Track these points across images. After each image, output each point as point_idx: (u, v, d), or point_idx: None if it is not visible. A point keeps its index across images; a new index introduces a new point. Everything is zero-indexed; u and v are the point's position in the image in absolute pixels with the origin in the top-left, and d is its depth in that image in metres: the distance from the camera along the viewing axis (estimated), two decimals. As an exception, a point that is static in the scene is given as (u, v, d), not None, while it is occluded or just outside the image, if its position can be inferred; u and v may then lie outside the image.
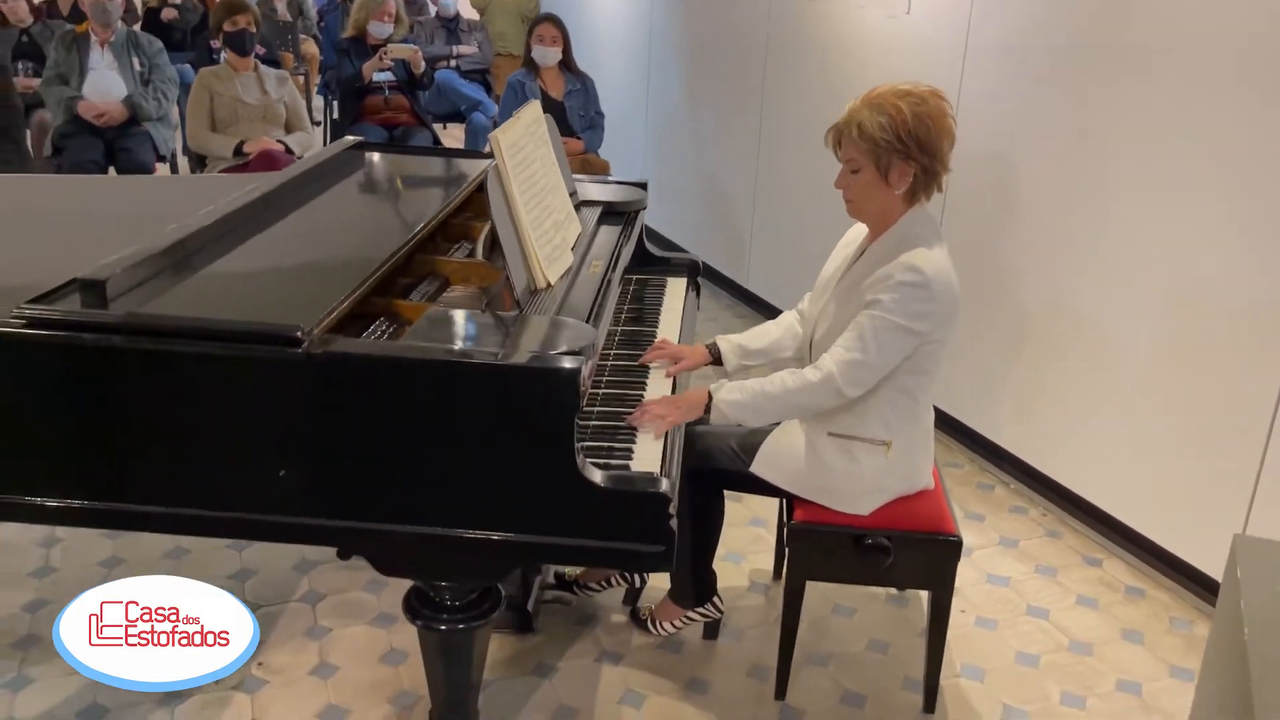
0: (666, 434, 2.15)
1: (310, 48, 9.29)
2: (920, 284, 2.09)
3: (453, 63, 7.10)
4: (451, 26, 7.25)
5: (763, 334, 2.54)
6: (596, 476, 1.80)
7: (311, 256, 2.24)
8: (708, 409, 2.23)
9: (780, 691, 2.48)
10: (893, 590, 2.89)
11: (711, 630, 2.69)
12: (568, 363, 1.75)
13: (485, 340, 1.86)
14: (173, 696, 2.41)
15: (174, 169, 5.95)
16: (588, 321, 2.10)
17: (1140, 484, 3.03)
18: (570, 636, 2.66)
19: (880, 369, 2.15)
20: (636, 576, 2.75)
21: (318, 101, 8.10)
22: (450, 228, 2.70)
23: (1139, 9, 2.90)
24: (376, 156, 3.16)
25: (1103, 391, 3.12)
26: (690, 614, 2.61)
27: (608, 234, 2.70)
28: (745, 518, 3.18)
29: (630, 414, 2.18)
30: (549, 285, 2.20)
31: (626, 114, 6.25)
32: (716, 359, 2.50)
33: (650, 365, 2.44)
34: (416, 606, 1.99)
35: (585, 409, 2.20)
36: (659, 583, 2.67)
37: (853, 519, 2.30)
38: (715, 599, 2.61)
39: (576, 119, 5.06)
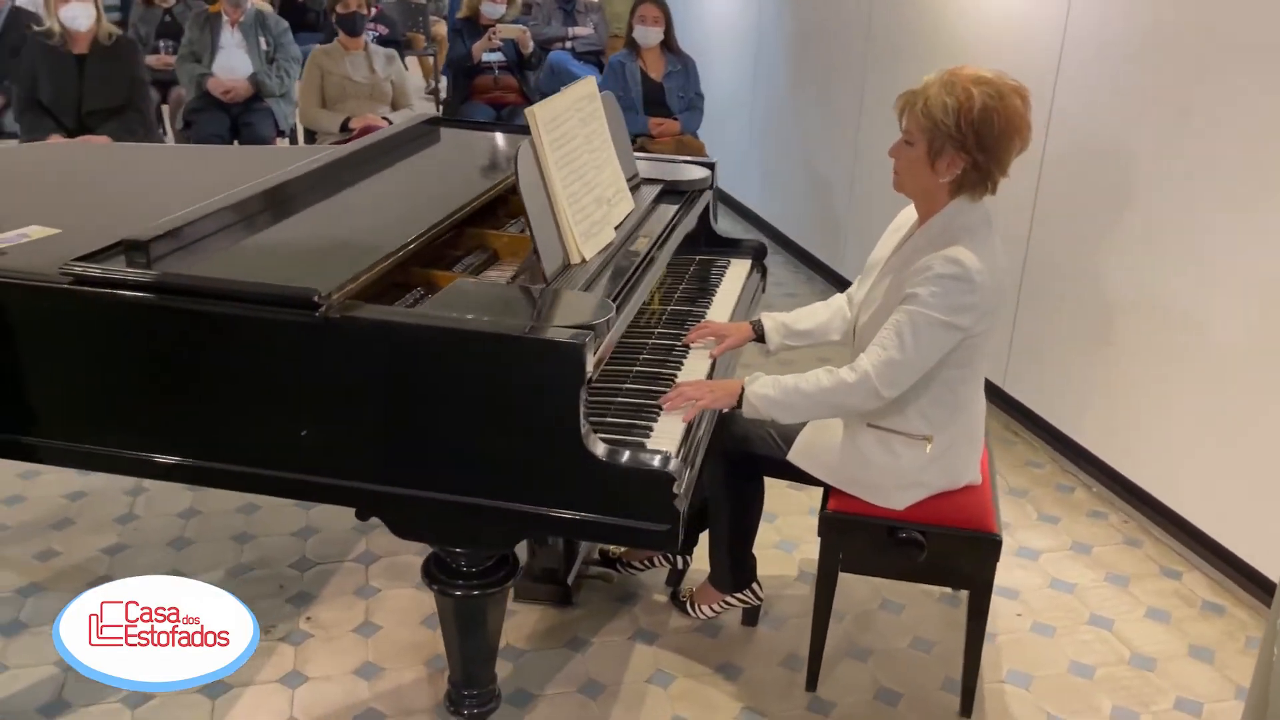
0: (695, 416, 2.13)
1: (441, 29, 9.51)
2: (961, 276, 1.99)
3: (568, 44, 7.14)
4: (568, 9, 7.29)
5: (811, 314, 2.47)
6: (600, 451, 1.80)
7: (357, 226, 2.30)
8: (741, 401, 2.15)
9: (811, 683, 2.43)
10: (947, 589, 2.79)
11: (751, 617, 2.66)
12: (572, 336, 1.76)
13: (498, 311, 1.87)
14: (223, 643, 2.53)
15: (293, 142, 6.20)
16: (617, 298, 2.09)
17: (1229, 493, 2.84)
18: (609, 613, 2.67)
19: (919, 367, 2.05)
20: (679, 558, 2.74)
21: (443, 80, 8.30)
22: (512, 203, 2.73)
23: (1242, 4, 2.70)
24: (451, 132, 3.22)
25: (1193, 393, 2.93)
26: (729, 599, 2.59)
27: (663, 213, 2.68)
28: (805, 506, 3.11)
29: (662, 393, 2.17)
30: (583, 260, 2.20)
31: (733, 99, 6.20)
32: (760, 336, 2.45)
33: (692, 346, 2.42)
34: (434, 572, 2.04)
35: (615, 385, 2.20)
36: (702, 565, 2.66)
37: (888, 511, 2.23)
38: (755, 585, 2.58)
39: (675, 99, 5.04)
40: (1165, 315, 3.01)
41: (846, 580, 2.78)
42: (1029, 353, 3.63)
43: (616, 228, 2.40)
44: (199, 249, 2.06)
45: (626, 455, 1.82)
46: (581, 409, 1.79)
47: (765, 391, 2.11)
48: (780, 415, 2.15)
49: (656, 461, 1.82)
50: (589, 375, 1.78)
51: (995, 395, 3.82)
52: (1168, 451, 3.04)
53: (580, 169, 2.29)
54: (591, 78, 2.62)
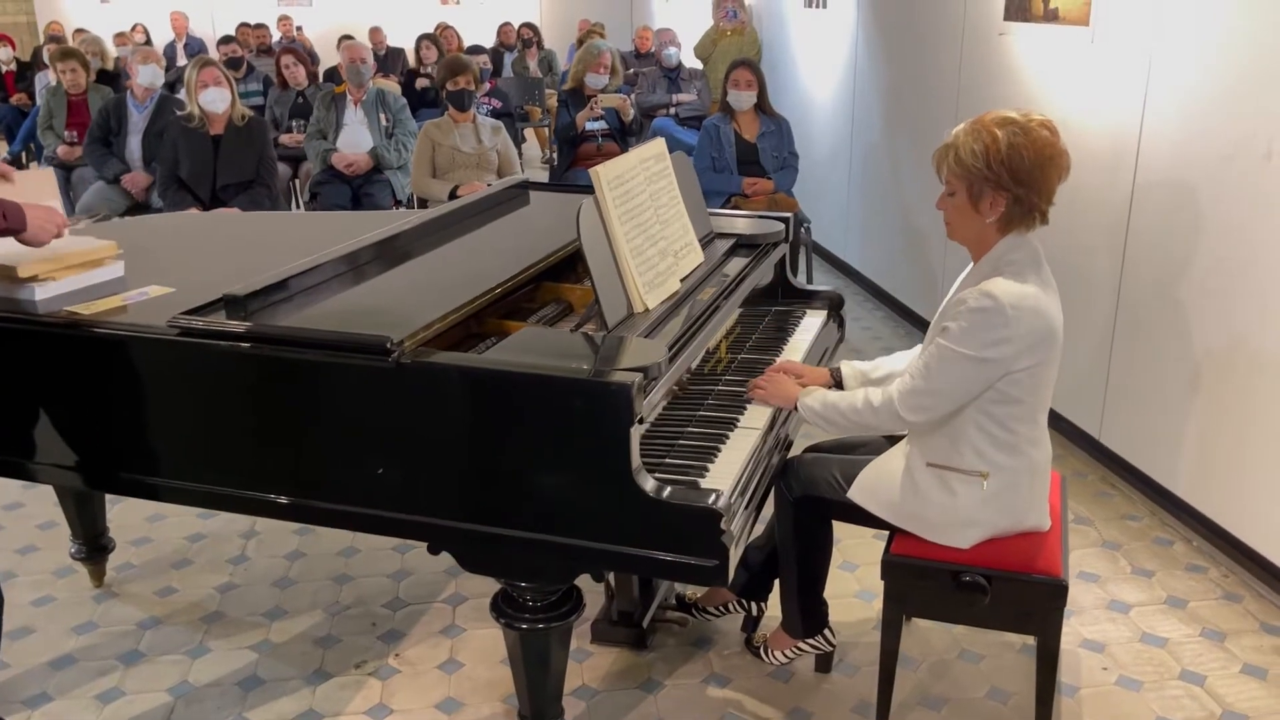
0: (751, 458, 2.20)
1: (554, 102, 9.93)
2: (993, 310, 2.03)
3: (672, 110, 7.38)
4: (673, 76, 7.54)
5: (890, 363, 2.55)
6: (649, 487, 1.88)
7: (438, 280, 2.46)
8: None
9: (879, 729, 2.42)
10: (1030, 640, 2.74)
11: (824, 663, 2.67)
12: (622, 378, 1.85)
13: (559, 355, 1.98)
14: (316, 674, 2.69)
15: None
16: (675, 344, 2.19)
17: (1334, 547, 2.72)
18: (682, 657, 2.72)
19: (944, 396, 2.10)
20: (753, 604, 2.77)
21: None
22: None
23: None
24: (540, 194, 3.39)
25: (1289, 442, 2.83)
26: (801, 644, 2.61)
27: (735, 265, 2.77)
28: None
29: (724, 437, 2.26)
30: (646, 309, 2.31)
31: (831, 156, 6.29)
32: (839, 382, 2.52)
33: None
34: (501, 606, 2.14)
35: (679, 428, 2.29)
36: (777, 612, 2.68)
37: (951, 554, 2.24)
38: (827, 631, 2.60)
39: (769, 160, 5.15)
40: (1262, 363, 2.92)
41: (924, 629, 2.79)
42: (1124, 402, 3.55)
43: (683, 280, 2.50)
44: (294, 303, 2.25)
45: (676, 493, 1.90)
46: (633, 447, 1.88)
47: (810, 402, 2.30)
48: (820, 425, 2.32)
49: (706, 499, 1.89)
50: (638, 415, 1.87)
51: (1091, 446, 3.74)
52: (1271, 504, 2.93)
53: (645, 223, 2.41)
54: (661, 139, 2.75)
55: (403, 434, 2.01)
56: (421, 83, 8.36)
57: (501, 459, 1.95)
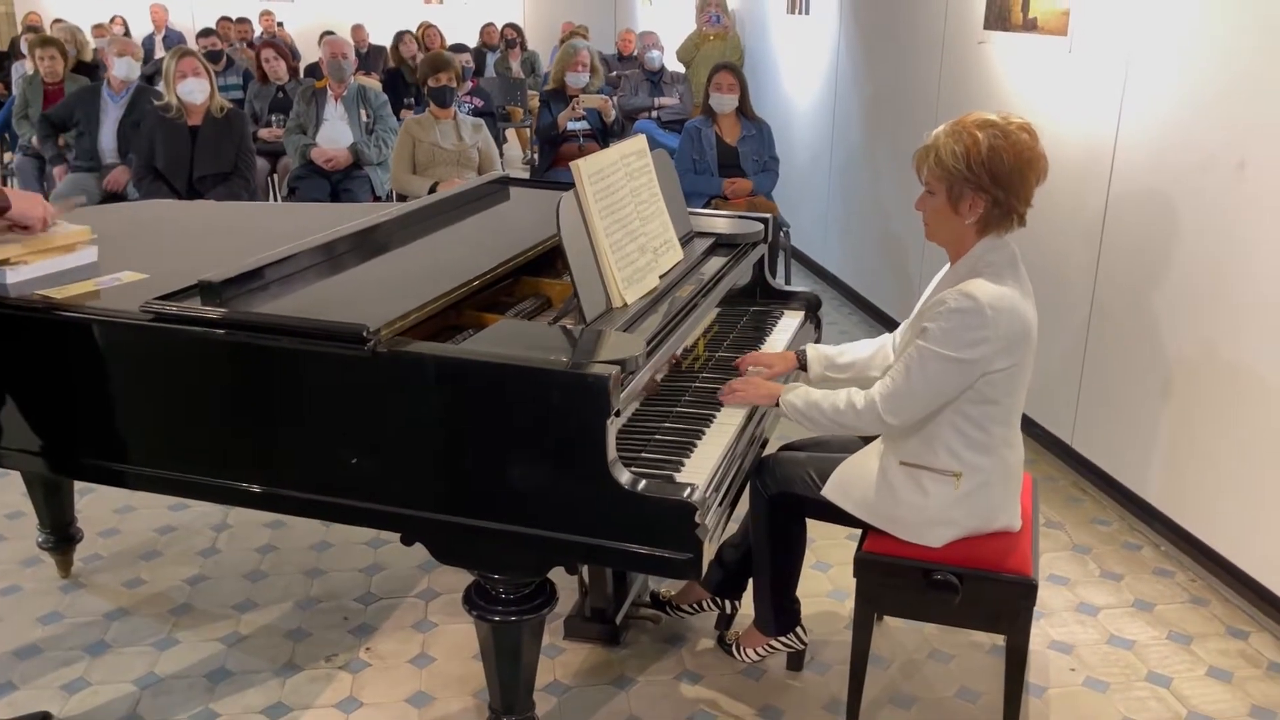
0: (726, 454, 2.20)
1: (536, 102, 9.93)
2: (972, 310, 2.05)
3: (654, 113, 7.40)
4: (655, 79, 7.56)
5: (854, 350, 2.58)
6: (625, 480, 1.88)
7: (416, 271, 2.45)
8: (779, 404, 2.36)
9: (850, 727, 2.43)
10: (999, 640, 2.76)
11: (796, 661, 2.68)
12: (598, 370, 1.85)
13: (536, 347, 1.98)
14: (286, 667, 2.67)
15: (388, 208, 6.53)
16: (653, 339, 2.19)
17: (1299, 552, 2.75)
18: (655, 654, 2.72)
19: (923, 398, 2.12)
20: (727, 602, 2.77)
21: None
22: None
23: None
24: (520, 190, 3.39)
25: (1258, 448, 2.86)
26: (773, 642, 2.61)
27: (714, 264, 2.78)
28: (858, 556, 3.12)
29: (699, 433, 2.26)
30: (625, 304, 2.31)
31: (811, 161, 6.32)
32: (804, 365, 2.55)
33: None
34: (474, 598, 2.13)
35: (656, 424, 2.29)
36: (750, 609, 2.69)
37: (923, 553, 2.25)
38: (799, 629, 2.60)
39: (749, 162, 5.17)
40: (1232, 371, 2.96)
41: (895, 629, 2.80)
42: (1097, 409, 3.58)
43: (662, 276, 2.51)
44: (271, 290, 2.23)
45: (650, 485, 1.90)
46: (609, 439, 1.88)
47: (792, 399, 2.31)
48: (802, 423, 2.31)
49: (680, 493, 1.89)
50: (614, 408, 1.87)
51: (1063, 452, 3.78)
52: (1239, 510, 2.96)
53: (624, 219, 2.41)
54: (642, 136, 2.75)
55: (377, 424, 2.01)
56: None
57: (476, 450, 1.94)
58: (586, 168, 2.31)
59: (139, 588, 3.03)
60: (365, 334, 1.93)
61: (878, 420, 2.17)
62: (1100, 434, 3.59)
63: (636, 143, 2.63)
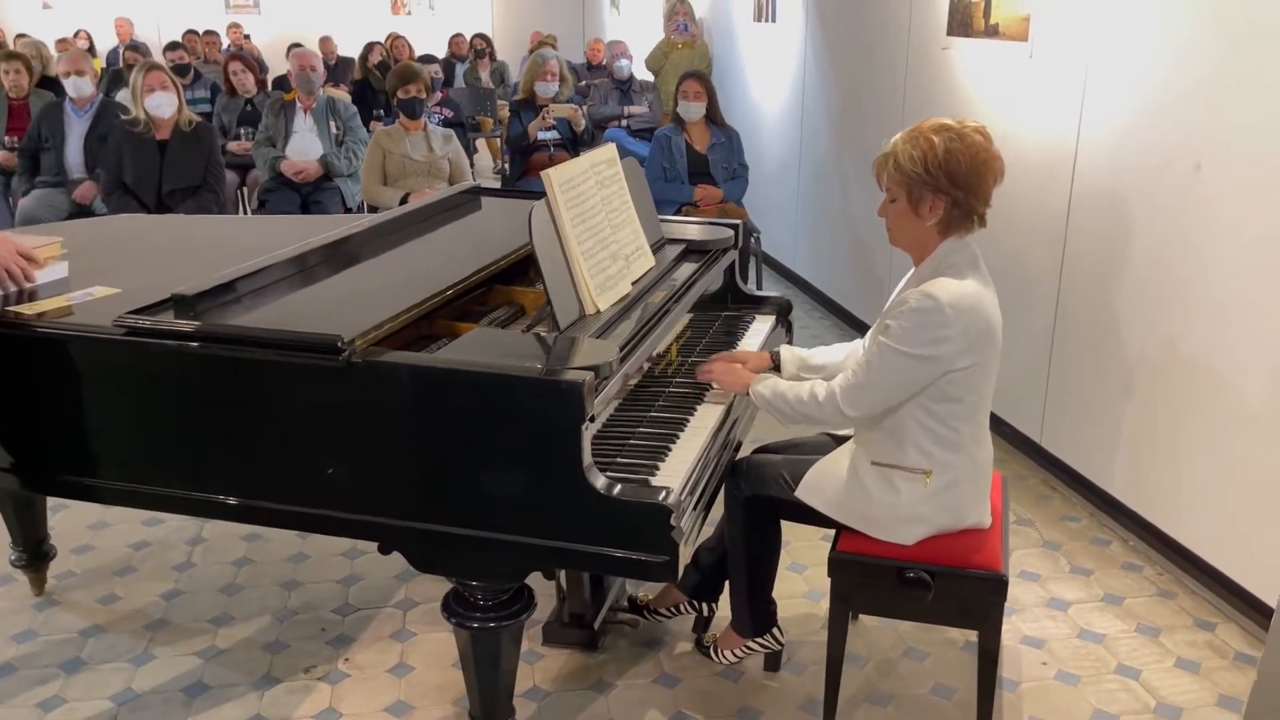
0: (701, 457, 2.23)
1: (508, 113, 9.94)
2: (932, 310, 2.09)
3: (624, 122, 7.43)
4: (625, 88, 7.60)
5: (827, 352, 2.62)
6: (600, 484, 1.90)
7: (389, 282, 2.46)
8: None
9: (827, 726, 2.46)
10: (973, 637, 2.80)
11: (773, 662, 2.70)
12: (573, 376, 1.88)
13: (510, 355, 2.00)
14: (264, 679, 2.66)
15: (360, 221, 6.51)
16: (627, 345, 2.22)
17: (1265, 545, 2.80)
18: (633, 658, 2.74)
19: (882, 392, 2.17)
20: (704, 605, 2.80)
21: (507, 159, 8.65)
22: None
23: (1254, 46, 2.76)
24: (492, 200, 3.41)
25: (1219, 442, 2.93)
26: (750, 644, 2.64)
27: (685, 270, 2.81)
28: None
29: (674, 437, 2.29)
30: (598, 311, 2.33)
31: (780, 168, 6.37)
32: (778, 365, 2.59)
33: (706, 393, 2.53)
34: (452, 605, 2.14)
35: (630, 429, 2.31)
36: (727, 612, 2.71)
37: (895, 551, 2.29)
38: (776, 630, 2.63)
39: (720, 170, 5.20)
40: (1192, 367, 3.02)
41: (870, 628, 2.83)
42: (1064, 407, 3.64)
43: (635, 283, 2.53)
44: (245, 303, 2.24)
45: (626, 489, 1.93)
46: (584, 445, 1.90)
47: (761, 389, 2.37)
48: (769, 412, 2.37)
49: (656, 496, 1.92)
50: (590, 413, 1.89)
51: (1032, 450, 3.83)
52: (1203, 504, 3.02)
53: (596, 227, 2.44)
54: (612, 144, 2.78)
55: (353, 433, 2.02)
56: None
57: (453, 458, 1.96)
58: (557, 177, 2.34)
59: (114, 604, 3.02)
60: (340, 344, 1.94)
61: (837, 412, 2.22)
62: (1068, 432, 3.64)
63: (606, 151, 2.66)
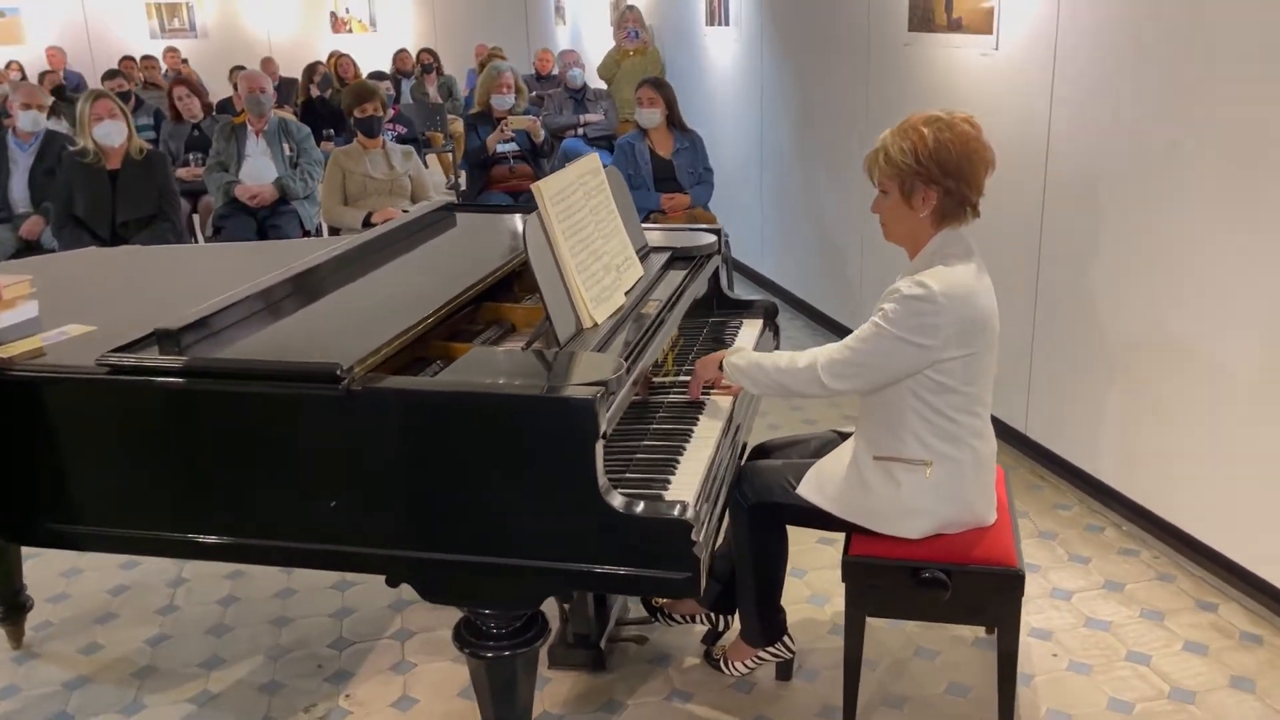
0: (710, 467, 2.19)
1: (458, 127, 9.80)
2: (924, 297, 2.09)
3: (580, 130, 7.38)
4: (579, 97, 7.54)
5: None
6: (618, 503, 1.85)
7: (377, 305, 2.39)
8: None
9: (846, 732, 2.43)
10: (981, 632, 2.79)
11: (784, 670, 2.67)
12: (583, 393, 1.82)
13: (513, 374, 1.95)
14: (264, 723, 2.57)
15: (319, 243, 6.39)
16: (629, 357, 2.17)
17: (1260, 521, 2.82)
18: (643, 675, 2.69)
19: (867, 369, 2.17)
20: (720, 619, 2.75)
21: (462, 175, 8.55)
22: (527, 278, 2.83)
23: (1227, 33, 2.79)
24: (466, 216, 3.34)
25: (1207, 423, 2.95)
26: (761, 654, 2.60)
27: (673, 278, 2.76)
28: (833, 559, 3.12)
29: (679, 448, 2.25)
30: (595, 324, 2.28)
31: (742, 170, 6.36)
32: None
33: (705, 401, 2.49)
34: (465, 635, 2.07)
35: (634, 443, 2.26)
36: (736, 623, 2.67)
37: (908, 551, 2.26)
38: (786, 638, 2.59)
39: (685, 175, 5.18)
40: (1174, 347, 3.04)
41: (878, 630, 2.81)
42: (1047, 395, 3.66)
43: (627, 293, 2.48)
44: (229, 335, 2.16)
45: (645, 506, 1.87)
46: (599, 463, 1.85)
47: (735, 360, 2.37)
48: (745, 384, 2.38)
49: (674, 511, 1.87)
50: (603, 430, 1.84)
51: (1018, 441, 3.84)
52: (1192, 483, 3.04)
53: (587, 238, 2.39)
54: (595, 154, 2.74)
55: (356, 464, 1.94)
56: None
57: (463, 484, 1.89)
58: (548, 189, 2.28)
59: (97, 653, 2.90)
60: (339, 372, 1.87)
61: (815, 380, 2.21)
62: (1053, 420, 3.66)
63: (590, 162, 2.61)
